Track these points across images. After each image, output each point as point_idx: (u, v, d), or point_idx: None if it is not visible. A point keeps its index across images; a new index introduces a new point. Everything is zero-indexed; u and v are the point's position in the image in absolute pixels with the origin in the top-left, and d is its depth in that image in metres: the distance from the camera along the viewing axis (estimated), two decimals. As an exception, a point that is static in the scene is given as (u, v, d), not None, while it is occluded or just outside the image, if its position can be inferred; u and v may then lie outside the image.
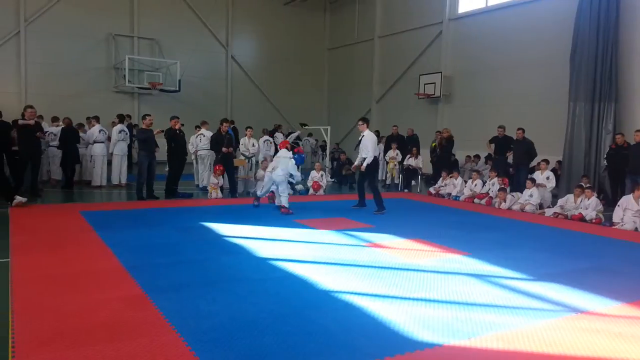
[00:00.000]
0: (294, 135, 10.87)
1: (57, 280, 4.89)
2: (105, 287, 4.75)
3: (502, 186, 11.37)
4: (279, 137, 16.83)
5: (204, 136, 12.42)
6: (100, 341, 3.50)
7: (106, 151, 12.58)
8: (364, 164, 9.62)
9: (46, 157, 12.65)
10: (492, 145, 13.48)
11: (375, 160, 9.95)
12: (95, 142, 12.43)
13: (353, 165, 9.83)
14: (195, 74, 21.61)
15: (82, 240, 6.70)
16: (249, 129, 12.92)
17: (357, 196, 10.20)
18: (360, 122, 9.92)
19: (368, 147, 9.62)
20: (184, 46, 21.60)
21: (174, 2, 21.49)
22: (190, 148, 13.14)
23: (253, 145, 12.79)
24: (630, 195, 9.22)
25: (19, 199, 9.01)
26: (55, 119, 13.11)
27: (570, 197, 10.26)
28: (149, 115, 10.93)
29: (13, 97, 18.08)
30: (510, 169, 13.17)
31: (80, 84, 19.75)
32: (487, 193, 11.64)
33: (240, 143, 12.82)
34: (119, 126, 12.99)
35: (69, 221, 7.98)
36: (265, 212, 9.60)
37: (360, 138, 9.81)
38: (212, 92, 22.53)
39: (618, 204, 9.43)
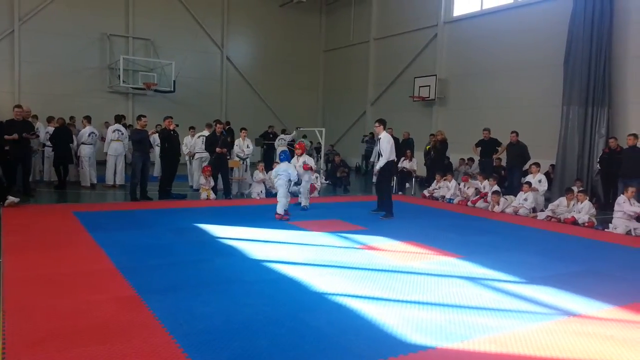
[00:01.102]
0: (289, 137, 10.87)
1: (49, 281, 4.87)
2: (97, 288, 4.73)
3: (496, 189, 11.40)
4: (286, 139, 16.76)
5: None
6: (92, 342, 3.48)
7: (94, 152, 12.49)
8: (377, 167, 9.50)
9: (40, 157, 12.60)
10: (479, 149, 13.55)
11: (393, 163, 9.75)
12: (83, 143, 12.34)
13: (375, 170, 9.67)
14: (190, 75, 21.57)
15: (75, 240, 6.67)
16: (243, 130, 12.91)
17: (376, 198, 10.08)
18: (376, 124, 9.65)
19: (386, 149, 9.38)
20: (179, 47, 21.56)
21: (169, 3, 21.45)
22: (184, 149, 13.09)
23: (248, 146, 12.77)
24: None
25: (11, 199, 8.96)
26: (50, 119, 13.03)
27: (562, 201, 10.32)
28: (144, 116, 10.88)
29: (7, 97, 17.99)
30: (503, 172, 13.26)
31: (75, 84, 19.65)
32: (479, 197, 11.68)
33: (235, 144, 12.80)
34: (114, 126, 12.88)
35: (62, 222, 7.94)
36: (260, 213, 9.58)
37: (377, 140, 9.67)
38: (206, 93, 22.49)
39: (633, 204, 9.19)
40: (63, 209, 9.38)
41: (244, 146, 12.68)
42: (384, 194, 9.70)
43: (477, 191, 11.93)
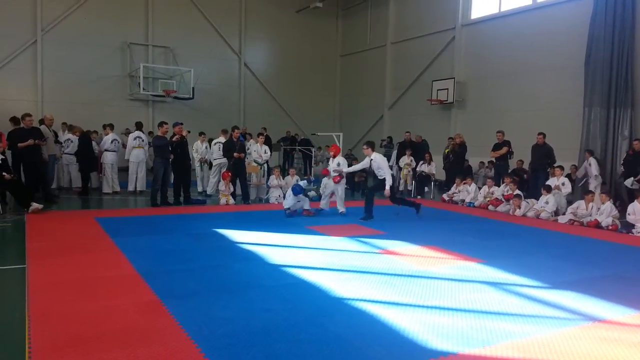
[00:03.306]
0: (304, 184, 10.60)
1: (73, 286, 4.94)
2: (119, 293, 4.79)
3: (517, 192, 11.25)
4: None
5: None
6: (114, 347, 3.53)
7: (116, 159, 12.69)
8: (387, 187, 9.56)
9: (62, 165, 12.82)
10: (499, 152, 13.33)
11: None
12: (107, 150, 12.56)
13: (385, 191, 9.74)
14: (208, 82, 21.78)
15: (97, 246, 6.77)
16: (260, 136, 13.03)
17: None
18: (364, 147, 10.00)
19: (384, 167, 9.70)
20: (198, 54, 21.80)
21: (188, 11, 21.72)
22: (195, 155, 13.24)
23: (265, 151, 12.85)
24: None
25: (35, 205, 9.13)
26: (71, 127, 13.28)
27: (581, 203, 10.15)
28: (166, 122, 10.99)
29: (30, 106, 18.28)
30: (525, 175, 13.07)
31: (96, 92, 20.00)
32: (501, 200, 11.52)
33: (253, 150, 12.88)
34: (135, 133, 13.14)
35: (84, 227, 8.06)
36: (278, 218, 9.62)
37: (369, 161, 9.80)
38: (225, 99, 22.68)
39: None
40: (85, 215, 9.55)
41: (261, 151, 12.75)
42: (367, 196, 9.90)
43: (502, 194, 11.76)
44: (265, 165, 12.95)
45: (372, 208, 9.75)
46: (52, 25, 19.24)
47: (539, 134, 12.45)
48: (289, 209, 9.75)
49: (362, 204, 10.03)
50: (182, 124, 11.19)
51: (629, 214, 9.37)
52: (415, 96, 20.35)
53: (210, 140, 13.45)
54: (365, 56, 23.80)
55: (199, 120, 19.34)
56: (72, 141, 12.53)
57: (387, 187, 9.61)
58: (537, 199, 11.12)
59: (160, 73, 20.92)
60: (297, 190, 9.76)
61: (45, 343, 3.58)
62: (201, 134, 13.79)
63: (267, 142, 16.63)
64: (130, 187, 12.73)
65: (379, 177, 9.87)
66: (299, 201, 9.87)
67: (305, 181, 10.50)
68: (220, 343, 3.65)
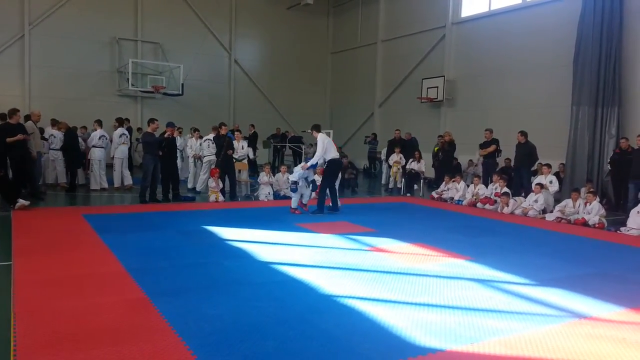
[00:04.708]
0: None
1: (60, 283, 4.90)
2: (107, 290, 4.75)
3: (505, 190, 11.32)
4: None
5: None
6: (102, 344, 3.50)
7: (104, 155, 12.61)
8: (309, 163, 9.96)
9: (48, 161, 12.69)
10: (487, 150, 13.42)
11: (335, 162, 10.02)
12: (94, 146, 12.46)
13: (302, 165, 10.16)
14: (198, 78, 21.65)
15: (85, 243, 6.71)
16: (237, 132, 13.13)
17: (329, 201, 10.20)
18: (310, 131, 10.36)
19: (319, 148, 9.87)
20: (188, 50, 21.66)
21: (177, 6, 21.57)
22: (189, 151, 13.20)
23: (242, 147, 12.89)
24: None
25: (21, 201, 9.03)
26: (55, 123, 13.11)
27: (569, 202, 10.24)
28: (156, 119, 10.95)
29: (17, 100, 18.10)
30: (512, 173, 13.17)
31: (84, 88, 19.80)
32: (489, 197, 11.59)
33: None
34: (119, 130, 13.10)
35: (72, 224, 7.99)
36: (268, 215, 9.61)
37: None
38: (215, 96, 22.57)
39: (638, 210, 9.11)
40: (73, 211, 9.45)
41: (238, 147, 12.77)
42: (321, 191, 9.99)
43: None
44: (246, 160, 12.98)
45: (324, 202, 9.90)
46: (40, 19, 19.01)
47: (519, 132, 12.50)
48: (295, 182, 9.82)
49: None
50: (175, 126, 11.20)
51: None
52: (406, 94, 20.39)
53: (201, 137, 13.46)
54: (355, 54, 23.81)
55: (188, 117, 19.24)
56: (55, 136, 12.41)
57: (308, 163, 9.91)
58: (520, 196, 11.19)
59: (149, 69, 20.77)
60: (312, 166, 9.96)
61: (31, 341, 3.54)
62: (195, 130, 13.75)
63: (254, 137, 16.96)
64: (117, 183, 12.68)
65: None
66: (306, 177, 9.94)
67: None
68: (209, 340, 3.64)
